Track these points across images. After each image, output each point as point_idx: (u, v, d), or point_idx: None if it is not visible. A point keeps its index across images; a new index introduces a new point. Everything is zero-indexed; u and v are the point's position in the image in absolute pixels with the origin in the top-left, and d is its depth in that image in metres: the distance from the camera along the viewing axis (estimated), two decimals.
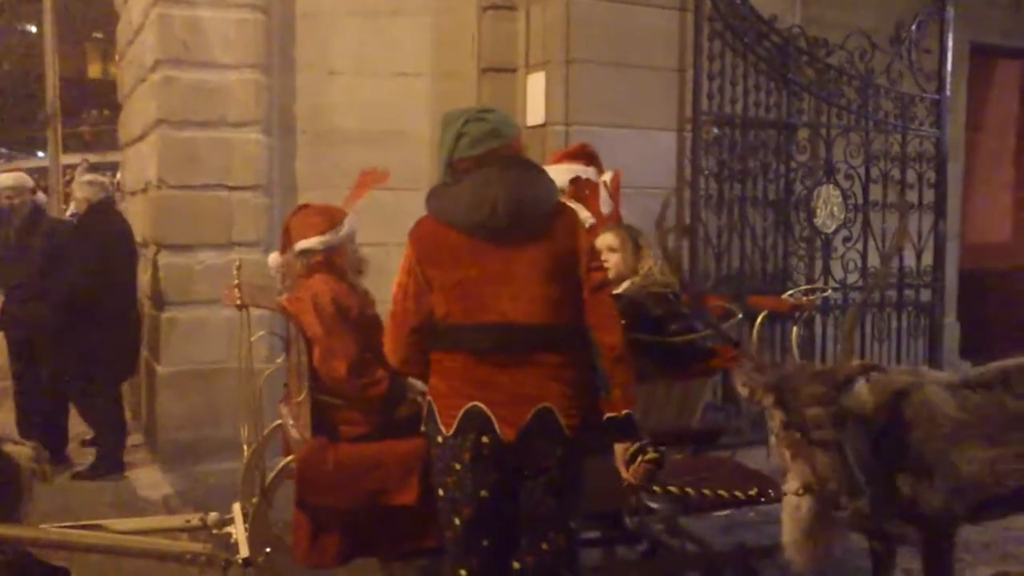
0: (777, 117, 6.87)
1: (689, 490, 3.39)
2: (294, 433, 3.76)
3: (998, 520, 3.78)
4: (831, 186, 7.00)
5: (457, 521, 2.99)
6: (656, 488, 3.26)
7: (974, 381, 3.60)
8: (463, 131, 2.98)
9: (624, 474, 3.03)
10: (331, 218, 3.86)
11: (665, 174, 6.44)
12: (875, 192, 7.28)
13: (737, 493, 3.50)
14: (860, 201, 7.19)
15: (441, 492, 3.03)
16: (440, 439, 2.98)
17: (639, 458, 2.99)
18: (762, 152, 6.83)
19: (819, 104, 7.09)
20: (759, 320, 4.09)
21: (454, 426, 2.94)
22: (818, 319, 6.90)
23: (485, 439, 2.92)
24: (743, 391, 3.13)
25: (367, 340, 3.62)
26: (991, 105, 9.24)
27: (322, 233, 3.78)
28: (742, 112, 6.67)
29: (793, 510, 3.01)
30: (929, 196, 7.58)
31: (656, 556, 4.02)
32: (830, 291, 6.37)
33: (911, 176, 7.45)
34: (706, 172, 6.52)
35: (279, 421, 4.07)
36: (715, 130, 6.57)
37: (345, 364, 3.51)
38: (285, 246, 3.89)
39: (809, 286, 5.78)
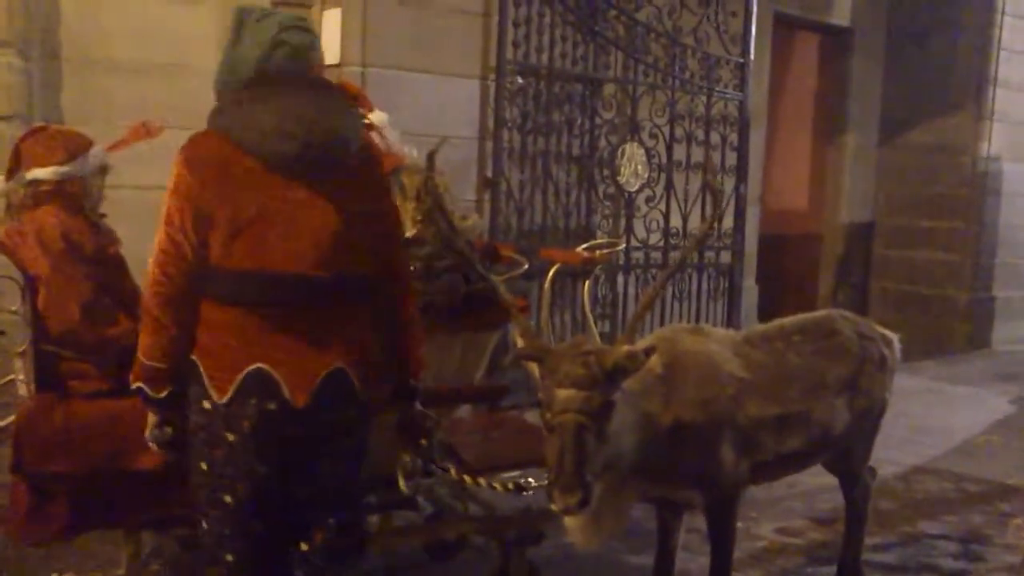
0: (583, 71, 6.72)
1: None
2: (21, 389, 3.29)
3: (776, 480, 3.74)
4: (636, 144, 6.92)
5: (228, 499, 2.54)
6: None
7: (756, 338, 3.52)
8: (283, 39, 2.50)
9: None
10: (75, 147, 3.36)
11: (467, 123, 6.20)
12: (679, 152, 7.27)
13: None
14: (664, 160, 7.16)
15: (205, 466, 2.56)
16: (208, 405, 2.51)
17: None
18: (567, 106, 6.67)
19: (626, 60, 6.99)
20: (551, 273, 3.92)
21: (230, 392, 2.48)
22: (620, 278, 6.85)
23: (271, 406, 2.49)
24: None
25: (108, 282, 3.19)
26: (792, 75, 9.47)
27: (61, 164, 3.29)
28: (548, 63, 6.48)
29: None
30: (732, 159, 7.65)
31: (440, 520, 3.84)
32: (623, 245, 6.29)
33: (715, 138, 7.47)
34: (509, 124, 6.31)
35: (11, 376, 3.58)
36: (519, 80, 6.35)
37: (78, 307, 3.06)
38: (12, 171, 3.37)
39: (603, 240, 5.66)
